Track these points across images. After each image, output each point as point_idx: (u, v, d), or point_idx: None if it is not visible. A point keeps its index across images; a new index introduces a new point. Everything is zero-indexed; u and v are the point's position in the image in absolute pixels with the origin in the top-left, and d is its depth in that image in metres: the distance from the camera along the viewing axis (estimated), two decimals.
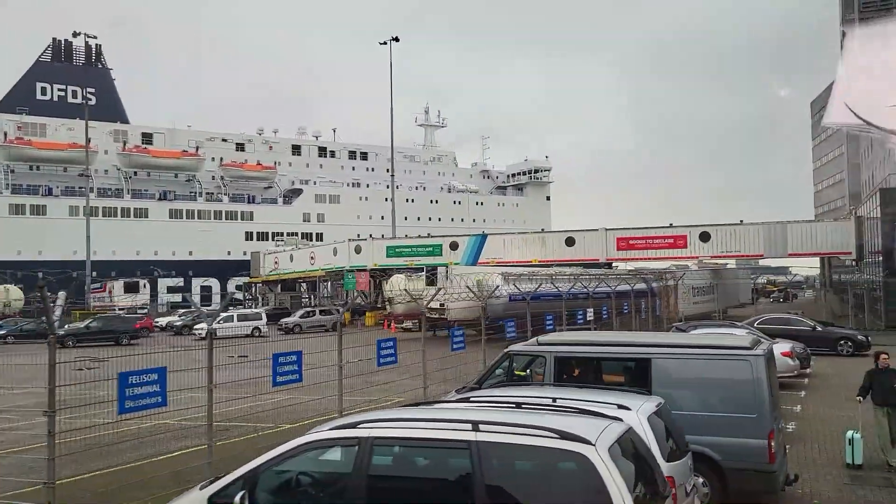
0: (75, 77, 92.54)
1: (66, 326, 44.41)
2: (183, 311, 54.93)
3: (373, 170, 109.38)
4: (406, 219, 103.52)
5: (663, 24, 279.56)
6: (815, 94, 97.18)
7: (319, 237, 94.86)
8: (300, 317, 49.37)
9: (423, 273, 40.52)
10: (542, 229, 52.68)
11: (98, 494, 9.12)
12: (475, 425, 5.45)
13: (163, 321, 49.75)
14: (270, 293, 67.91)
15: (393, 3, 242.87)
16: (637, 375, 8.64)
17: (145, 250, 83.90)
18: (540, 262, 48.93)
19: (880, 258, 36.87)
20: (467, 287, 23.64)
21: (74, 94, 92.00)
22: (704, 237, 46.10)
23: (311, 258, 60.14)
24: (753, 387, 8.10)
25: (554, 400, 6.49)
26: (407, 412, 6.22)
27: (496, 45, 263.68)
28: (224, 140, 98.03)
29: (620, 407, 6.38)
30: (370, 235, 62.40)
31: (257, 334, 45.66)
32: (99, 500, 9.01)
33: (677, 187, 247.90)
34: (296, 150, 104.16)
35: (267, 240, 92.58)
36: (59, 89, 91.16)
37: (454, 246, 52.40)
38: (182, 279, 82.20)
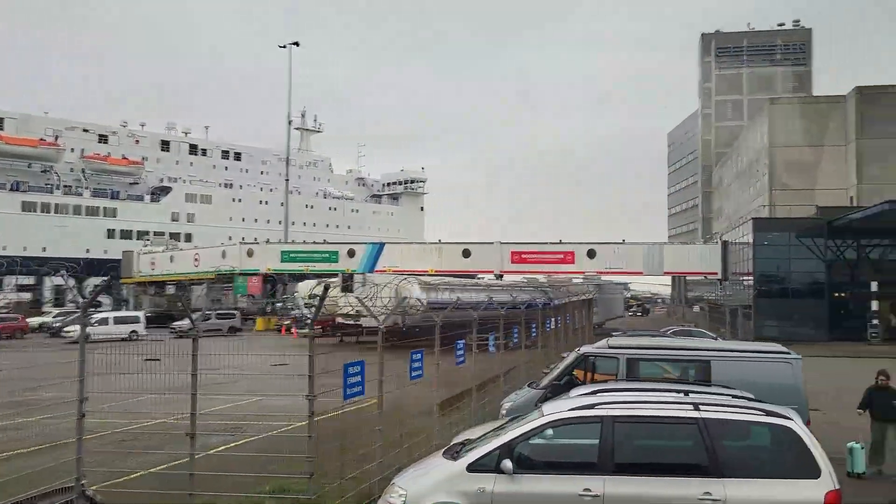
0: None
1: None
2: (57, 312, 51.26)
3: (247, 171, 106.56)
4: (280, 223, 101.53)
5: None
6: (672, 126, 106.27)
7: (189, 238, 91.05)
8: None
9: (338, 279, 40.58)
10: (440, 240, 53.93)
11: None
12: (696, 406, 6.94)
13: (36, 322, 46.30)
14: (145, 295, 64.55)
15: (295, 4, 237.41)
16: (698, 375, 10.10)
17: None
18: (436, 272, 50.28)
19: (750, 279, 41.40)
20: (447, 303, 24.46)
21: None
22: (591, 254, 49.47)
23: (196, 260, 58.03)
24: (795, 384, 9.82)
25: (686, 393, 7.77)
26: (629, 396, 7.59)
27: (382, 55, 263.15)
28: (85, 130, 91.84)
29: (736, 397, 7.79)
30: (266, 240, 61.61)
31: (135, 337, 43.74)
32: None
33: (553, 206, 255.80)
34: (165, 145, 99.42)
35: (131, 238, 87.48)
36: None
37: (351, 253, 52.70)
38: (33, 277, 76.32)
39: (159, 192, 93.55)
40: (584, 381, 10.96)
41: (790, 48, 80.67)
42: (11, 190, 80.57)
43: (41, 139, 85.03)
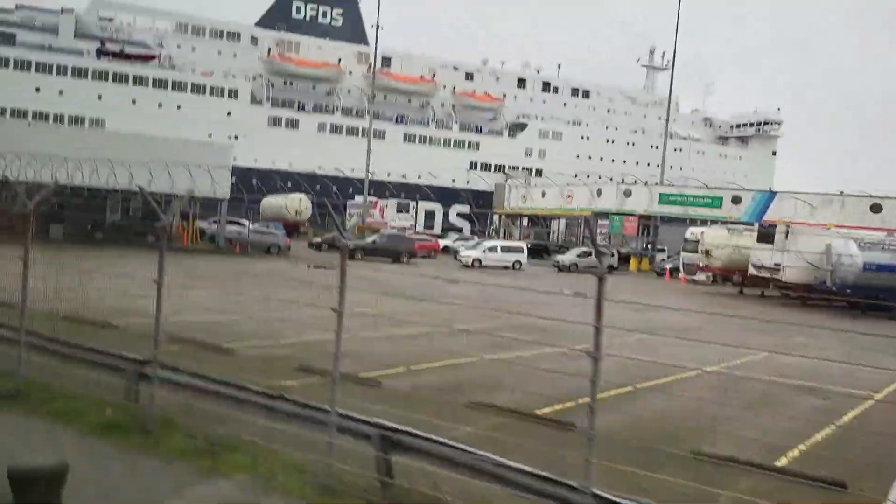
0: None
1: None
2: (457, 236, 56.95)
3: (594, 109, 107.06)
4: (625, 162, 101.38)
5: None
6: None
7: (539, 173, 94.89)
8: (578, 256, 49.27)
9: (751, 228, 39.06)
10: (842, 192, 48.95)
11: None
12: None
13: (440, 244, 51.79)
14: (514, 226, 69.06)
15: None
16: None
17: (380, 171, 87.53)
18: (835, 227, 45.90)
19: None
20: None
21: (324, 15, 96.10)
22: None
23: (568, 196, 60.09)
24: None
25: None
26: None
27: None
28: (455, 68, 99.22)
29: None
30: (628, 180, 61.59)
31: (518, 267, 46.07)
32: None
33: None
34: (521, 83, 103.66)
35: (489, 171, 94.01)
36: (311, 9, 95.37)
37: (736, 200, 50.33)
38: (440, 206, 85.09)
39: (516, 128, 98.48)
40: None
41: None
42: (396, 122, 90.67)
43: (421, 76, 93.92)
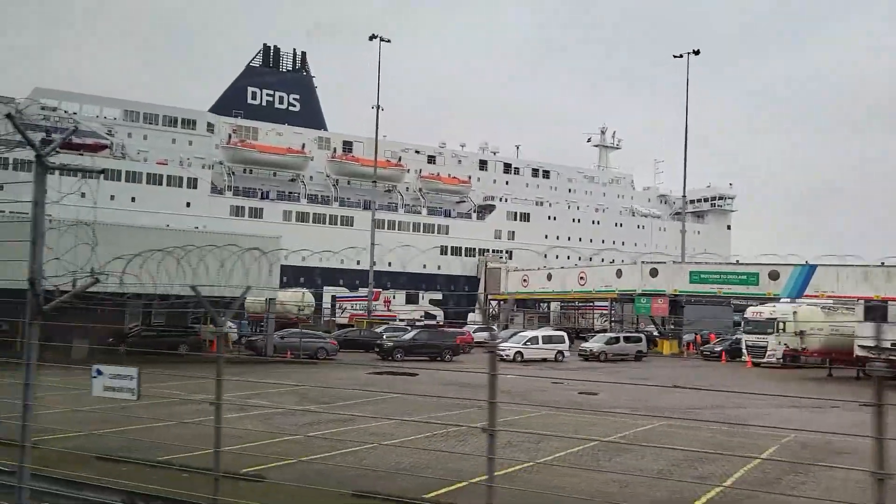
0: (282, 83, 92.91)
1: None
2: (475, 326, 52.34)
3: (555, 188, 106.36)
4: (591, 241, 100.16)
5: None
6: None
7: (509, 255, 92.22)
8: (605, 343, 45.39)
9: (850, 305, 36.43)
10: (882, 262, 47.59)
11: None
12: None
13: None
14: (514, 311, 64.99)
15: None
16: None
17: (349, 259, 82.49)
18: (882, 299, 44.19)
19: None
20: None
21: (281, 100, 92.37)
22: None
23: (581, 278, 56.81)
24: None
25: None
26: None
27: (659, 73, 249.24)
28: (417, 152, 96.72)
29: None
30: (635, 260, 59.17)
31: (560, 359, 41.85)
32: None
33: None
34: (482, 165, 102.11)
35: (459, 255, 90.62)
36: (267, 94, 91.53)
37: (774, 276, 48.12)
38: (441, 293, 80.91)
39: (484, 210, 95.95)
40: None
41: None
42: (365, 209, 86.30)
43: (387, 160, 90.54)
